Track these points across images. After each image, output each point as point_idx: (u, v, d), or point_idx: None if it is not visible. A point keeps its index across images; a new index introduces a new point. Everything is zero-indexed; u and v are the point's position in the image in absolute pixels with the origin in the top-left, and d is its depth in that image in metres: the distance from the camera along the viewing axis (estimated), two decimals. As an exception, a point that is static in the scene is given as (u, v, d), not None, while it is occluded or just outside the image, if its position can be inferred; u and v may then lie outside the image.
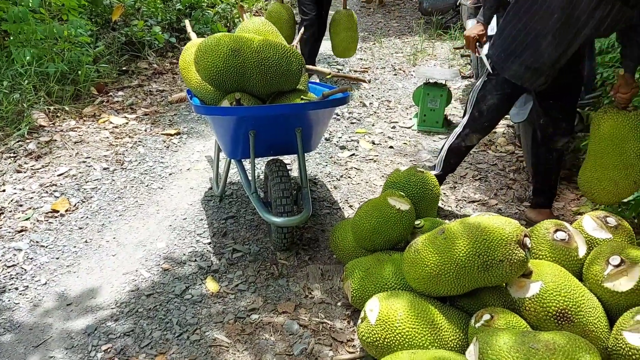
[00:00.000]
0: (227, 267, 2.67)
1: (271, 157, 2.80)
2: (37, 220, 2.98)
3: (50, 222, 2.98)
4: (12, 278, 2.53)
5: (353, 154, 3.99)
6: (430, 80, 4.48)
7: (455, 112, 4.89)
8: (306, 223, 3.03)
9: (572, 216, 3.14)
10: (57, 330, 2.24)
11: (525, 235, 1.95)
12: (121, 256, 2.72)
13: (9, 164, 3.57)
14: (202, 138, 4.19)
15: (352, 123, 4.59)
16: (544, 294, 1.90)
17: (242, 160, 2.83)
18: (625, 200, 2.71)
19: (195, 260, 2.70)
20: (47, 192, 3.27)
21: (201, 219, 3.06)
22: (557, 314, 1.86)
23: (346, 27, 5.23)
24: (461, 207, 3.27)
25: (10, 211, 3.05)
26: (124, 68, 5.47)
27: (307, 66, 2.82)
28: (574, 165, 3.64)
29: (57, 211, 3.07)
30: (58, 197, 3.21)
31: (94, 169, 3.58)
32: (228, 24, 7.21)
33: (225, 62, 2.47)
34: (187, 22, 3.33)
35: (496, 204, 3.31)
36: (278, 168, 2.64)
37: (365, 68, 6.22)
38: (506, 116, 3.12)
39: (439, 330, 1.93)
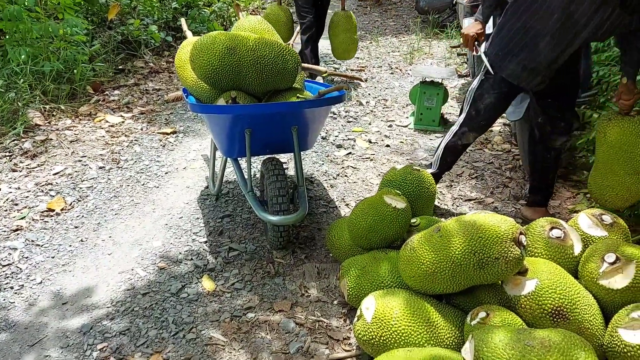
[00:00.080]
0: (223, 265, 2.66)
1: (267, 156, 2.79)
2: (33, 219, 2.97)
3: (45, 221, 2.97)
4: (8, 277, 2.52)
5: (349, 153, 3.99)
6: (427, 79, 4.49)
7: (452, 110, 4.89)
8: (302, 222, 3.03)
9: (568, 214, 3.14)
10: (53, 329, 2.24)
11: (521, 233, 1.95)
12: (117, 255, 2.72)
13: (5, 162, 3.56)
14: (198, 137, 4.18)
15: (348, 122, 4.59)
16: (539, 292, 1.90)
17: (239, 158, 2.83)
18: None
19: (192, 259, 2.70)
20: (42, 191, 3.26)
21: (197, 218, 3.06)
22: (553, 311, 1.86)
23: (345, 29, 5.21)
24: (457, 206, 3.28)
25: (6, 210, 3.04)
26: (120, 67, 5.46)
27: (303, 64, 2.81)
28: (570, 164, 3.65)
29: (53, 210, 3.06)
30: (54, 196, 3.20)
31: (90, 167, 3.57)
32: (224, 23, 7.20)
33: (221, 61, 2.46)
34: (182, 20, 3.32)
35: (492, 202, 3.31)
36: (274, 167, 2.64)
37: (362, 67, 6.22)
38: (502, 114, 3.13)
39: (435, 328, 1.93)
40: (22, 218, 2.98)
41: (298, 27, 4.20)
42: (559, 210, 3.21)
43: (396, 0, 10.20)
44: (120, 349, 2.14)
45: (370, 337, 1.93)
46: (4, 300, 2.38)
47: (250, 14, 7.94)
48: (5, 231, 2.85)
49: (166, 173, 3.58)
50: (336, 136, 4.25)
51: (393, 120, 4.66)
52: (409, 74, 6.05)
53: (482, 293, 2.05)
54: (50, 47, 4.61)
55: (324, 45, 5.81)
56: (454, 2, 7.93)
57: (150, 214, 3.09)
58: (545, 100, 2.76)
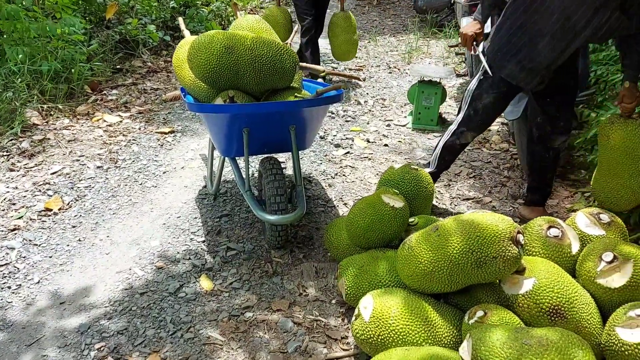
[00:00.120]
0: (221, 265, 2.66)
1: (265, 155, 2.79)
2: (30, 219, 2.97)
3: (43, 221, 2.96)
4: (5, 277, 2.52)
5: (348, 152, 3.99)
6: (425, 78, 4.49)
7: (450, 110, 4.89)
8: (300, 221, 3.03)
9: (565, 213, 3.15)
10: (51, 328, 2.23)
11: (519, 232, 1.96)
12: (115, 255, 2.72)
13: (2, 162, 3.56)
14: (196, 136, 4.18)
15: (346, 121, 4.59)
16: (537, 291, 1.90)
17: (236, 158, 2.82)
18: None
19: (190, 259, 2.70)
20: (40, 190, 3.25)
21: (195, 217, 3.05)
22: (550, 310, 1.86)
23: (344, 30, 5.19)
24: (455, 205, 3.28)
25: (3, 210, 3.04)
26: (118, 66, 5.45)
27: (301, 64, 2.81)
28: (567, 163, 3.65)
29: (51, 210, 3.05)
30: (51, 196, 3.19)
31: (88, 167, 3.57)
32: (222, 22, 7.19)
33: (219, 60, 2.46)
34: (180, 19, 3.32)
35: (490, 202, 3.31)
36: (272, 166, 2.64)
37: (360, 66, 6.22)
38: (501, 114, 3.13)
39: (433, 327, 1.93)
40: (19, 218, 2.97)
41: (296, 26, 4.20)
42: (557, 209, 3.21)
43: (394, 0, 10.20)
44: (118, 348, 2.14)
45: (368, 336, 1.93)
46: (2, 299, 2.38)
47: (248, 13, 7.94)
48: (2, 231, 2.85)
49: (164, 172, 3.57)
50: (334, 135, 4.25)
51: (391, 120, 4.66)
52: (407, 73, 6.05)
53: (479, 292, 2.06)
54: (48, 47, 4.60)
55: (322, 44, 5.80)
56: (452, 2, 7.94)
57: (148, 214, 3.08)
58: (544, 100, 2.76)
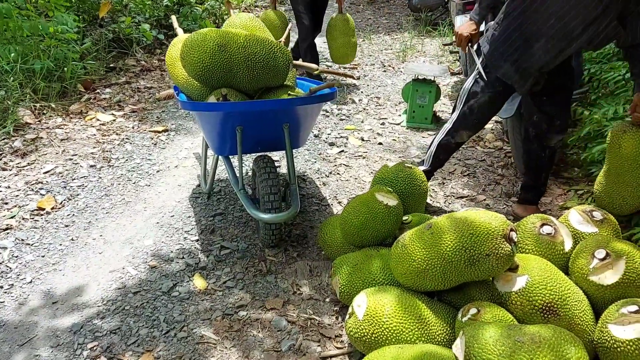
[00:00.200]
0: (215, 264, 2.66)
1: (259, 154, 2.79)
2: (23, 218, 2.95)
3: (36, 220, 2.95)
4: (-3, 276, 2.50)
5: (342, 151, 3.98)
6: (419, 77, 4.49)
7: (444, 108, 4.90)
8: (294, 219, 3.02)
9: (558, 211, 3.15)
10: (43, 328, 2.22)
11: (512, 230, 1.96)
12: (108, 254, 2.70)
13: (-6, 161, 3.54)
14: (190, 135, 4.16)
15: (341, 119, 4.59)
16: (530, 288, 1.90)
17: (230, 156, 2.81)
18: None
19: (183, 258, 2.69)
20: (32, 189, 3.23)
21: (189, 216, 3.04)
22: (543, 307, 1.87)
23: (343, 33, 5.18)
24: (450, 203, 3.28)
25: (-5, 209, 3.02)
26: (111, 65, 5.42)
27: (295, 62, 2.81)
28: (561, 161, 3.66)
29: (43, 209, 3.04)
30: (44, 195, 3.18)
31: (81, 166, 3.55)
32: (217, 21, 7.17)
33: (212, 58, 2.45)
34: (173, 17, 3.30)
35: (484, 200, 3.32)
36: (266, 164, 2.63)
37: (355, 65, 6.22)
38: (496, 113, 3.12)
39: (427, 325, 1.93)
40: (12, 217, 2.95)
41: (289, 25, 4.19)
42: (550, 207, 3.22)
43: (389, -2, 10.21)
44: (111, 348, 2.13)
45: (362, 334, 1.93)
46: (-6, 299, 2.37)
47: (242, 12, 7.93)
48: (-6, 230, 2.83)
49: (158, 171, 3.56)
50: (329, 134, 4.25)
51: (386, 118, 4.66)
52: (401, 71, 6.05)
53: (473, 290, 2.06)
54: (41, 45, 4.58)
55: (318, 44, 5.79)
56: (446, 0, 7.95)
57: (141, 213, 3.07)
58: (541, 99, 2.76)
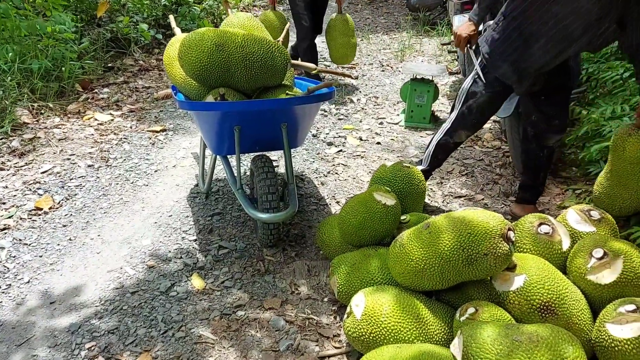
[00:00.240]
0: (213, 263, 2.65)
1: (257, 153, 2.78)
2: (20, 218, 2.94)
3: (33, 220, 2.94)
4: (-5, 277, 2.50)
5: (340, 150, 3.98)
6: (418, 77, 4.49)
7: (443, 108, 4.90)
8: (293, 219, 3.02)
9: (556, 210, 3.16)
10: (41, 328, 2.22)
11: (510, 229, 1.96)
12: (106, 254, 2.70)
13: (-8, 161, 3.53)
14: (188, 135, 4.16)
15: (339, 119, 4.59)
16: (528, 287, 1.91)
17: (228, 156, 2.81)
18: None
19: (181, 257, 2.68)
20: (30, 189, 3.23)
21: (187, 216, 3.04)
22: (541, 306, 1.87)
23: (342, 33, 5.17)
24: (448, 203, 3.28)
25: (-7, 209, 3.02)
26: (109, 65, 5.42)
27: (293, 61, 2.80)
28: (559, 160, 3.67)
29: (41, 209, 3.03)
30: (42, 195, 3.17)
31: (79, 166, 3.54)
32: (215, 20, 7.17)
33: (210, 57, 2.45)
34: (171, 17, 3.30)
35: (482, 199, 3.32)
36: (264, 164, 2.63)
37: (353, 64, 6.21)
38: (495, 113, 3.12)
39: (425, 325, 1.93)
40: (9, 217, 2.95)
41: (288, 24, 4.18)
42: (548, 206, 3.22)
43: (387, -2, 10.20)
44: (108, 347, 2.13)
45: (360, 333, 1.93)
46: (-9, 299, 2.36)
47: (240, 11, 7.92)
48: (-8, 230, 2.83)
49: (155, 171, 3.56)
50: (327, 134, 4.25)
51: (384, 118, 4.66)
52: (399, 71, 6.05)
53: (471, 289, 2.06)
54: (39, 45, 4.57)
55: (317, 43, 5.78)
56: (444, 0, 7.95)
57: (139, 213, 3.07)
58: (539, 99, 2.76)
